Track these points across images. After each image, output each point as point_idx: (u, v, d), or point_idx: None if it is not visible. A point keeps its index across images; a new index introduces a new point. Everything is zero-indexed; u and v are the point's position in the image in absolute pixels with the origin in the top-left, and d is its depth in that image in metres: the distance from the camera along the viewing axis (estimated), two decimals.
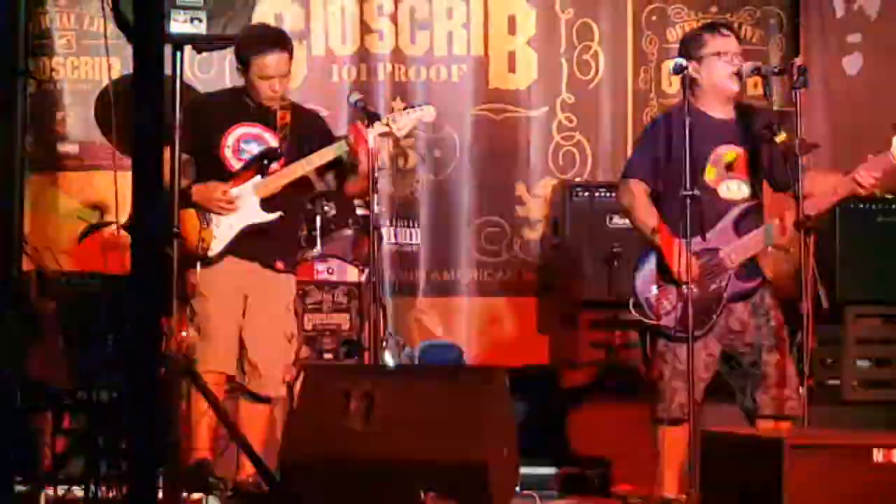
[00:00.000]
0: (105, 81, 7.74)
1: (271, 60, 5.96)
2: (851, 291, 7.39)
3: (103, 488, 4.78)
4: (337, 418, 4.96)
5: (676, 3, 8.69)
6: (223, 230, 5.96)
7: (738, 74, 5.62)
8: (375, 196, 5.98)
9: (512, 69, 8.59)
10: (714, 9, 8.64)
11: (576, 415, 7.09)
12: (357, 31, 8.47)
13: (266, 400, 6.05)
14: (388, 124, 6.03)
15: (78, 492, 4.92)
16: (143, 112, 2.82)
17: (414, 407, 4.97)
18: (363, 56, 8.47)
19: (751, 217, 5.64)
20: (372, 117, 6.00)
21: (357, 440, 4.92)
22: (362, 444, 4.92)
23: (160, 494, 4.12)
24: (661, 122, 5.76)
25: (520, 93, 8.60)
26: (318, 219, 7.36)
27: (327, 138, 6.11)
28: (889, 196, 7.42)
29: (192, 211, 5.89)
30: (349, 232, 7.52)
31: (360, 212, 7.37)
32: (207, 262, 5.91)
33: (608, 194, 7.89)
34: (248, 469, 5.64)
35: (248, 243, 5.97)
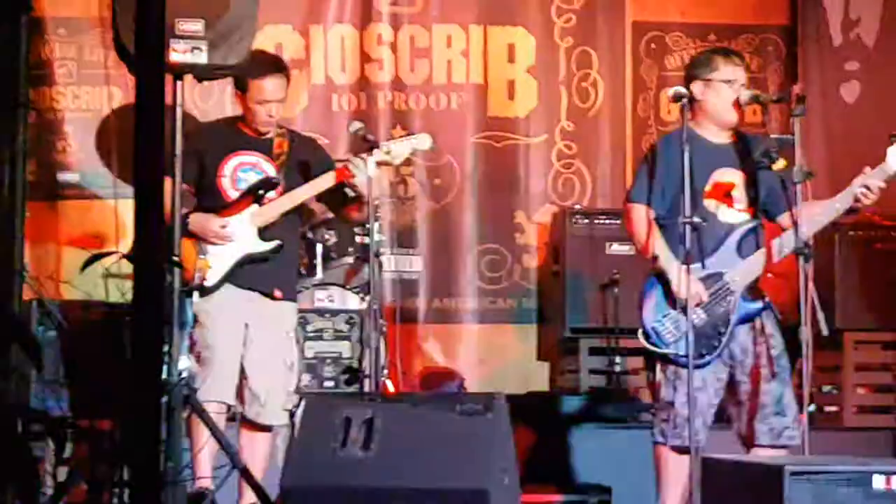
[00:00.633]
0: (106, 110, 7.80)
1: (269, 84, 5.98)
2: (851, 318, 7.40)
3: None
4: (337, 447, 4.96)
5: (675, 31, 8.73)
6: (220, 260, 5.97)
7: (737, 103, 5.64)
8: (376, 224, 5.99)
9: (511, 97, 8.62)
10: (712, 36, 8.67)
11: (577, 442, 7.09)
12: (357, 60, 8.50)
13: (267, 428, 6.06)
14: (388, 152, 6.05)
15: None
16: (143, 141, 2.83)
17: (415, 435, 4.97)
18: (363, 85, 8.50)
19: (752, 239, 5.65)
20: (371, 145, 6.02)
21: (358, 468, 4.92)
22: (363, 472, 4.91)
23: None
24: (661, 145, 5.77)
25: (519, 120, 8.62)
26: (319, 247, 7.38)
27: (327, 165, 6.13)
28: (887, 223, 7.44)
29: (188, 241, 5.90)
30: (350, 260, 7.53)
31: (359, 240, 7.38)
32: (205, 291, 5.91)
33: (608, 221, 7.91)
34: (250, 497, 5.63)
35: (246, 273, 5.98)
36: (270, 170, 6.06)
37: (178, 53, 4.81)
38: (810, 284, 5.29)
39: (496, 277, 8.54)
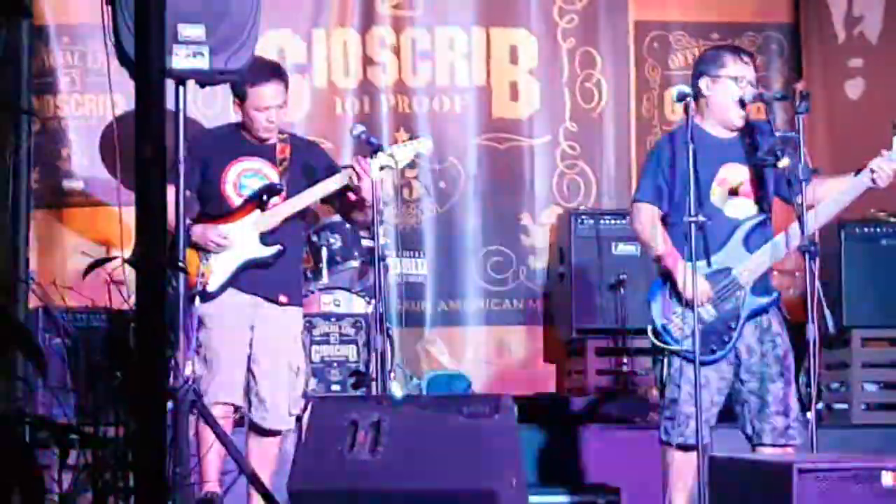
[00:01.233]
0: (109, 118, 7.80)
1: (267, 91, 5.97)
2: (858, 315, 7.39)
3: None
4: (345, 450, 4.95)
5: (678, 30, 8.73)
6: (222, 265, 5.96)
7: (742, 101, 5.62)
8: (381, 227, 5.99)
9: (514, 98, 8.62)
10: (715, 35, 8.66)
11: (584, 443, 7.08)
12: (359, 64, 8.50)
13: (275, 433, 6.05)
14: (391, 155, 6.05)
15: None
16: (146, 147, 2.82)
17: (422, 437, 4.97)
18: (366, 88, 8.50)
19: (759, 233, 5.64)
20: (375, 149, 6.02)
21: (365, 471, 4.92)
22: (371, 475, 4.91)
23: None
24: (667, 143, 5.76)
25: (522, 122, 8.62)
26: (324, 251, 7.38)
27: (329, 168, 6.13)
28: (893, 219, 7.43)
29: (190, 248, 5.89)
30: (355, 263, 7.53)
31: (365, 243, 7.38)
32: (207, 297, 5.91)
33: (613, 222, 7.91)
34: (258, 502, 5.63)
35: (251, 278, 5.97)
36: (273, 175, 6.05)
37: (180, 59, 4.80)
38: (816, 282, 5.28)
39: (502, 279, 8.54)
